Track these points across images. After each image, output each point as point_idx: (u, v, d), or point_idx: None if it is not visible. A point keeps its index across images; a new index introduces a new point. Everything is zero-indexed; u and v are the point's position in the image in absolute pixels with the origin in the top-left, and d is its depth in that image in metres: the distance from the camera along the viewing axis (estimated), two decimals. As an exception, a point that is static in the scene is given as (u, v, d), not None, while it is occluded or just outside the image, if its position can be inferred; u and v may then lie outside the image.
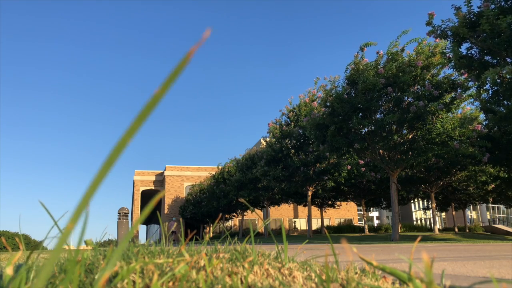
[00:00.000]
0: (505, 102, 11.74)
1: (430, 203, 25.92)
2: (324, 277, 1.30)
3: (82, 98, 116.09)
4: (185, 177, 48.45)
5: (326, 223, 44.34)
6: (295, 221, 46.60)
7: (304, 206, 27.35)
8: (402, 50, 14.34)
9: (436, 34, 11.76)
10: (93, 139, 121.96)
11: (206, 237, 1.83)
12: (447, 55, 12.25)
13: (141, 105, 0.45)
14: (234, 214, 34.43)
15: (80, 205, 0.43)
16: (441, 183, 22.09)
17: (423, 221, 60.73)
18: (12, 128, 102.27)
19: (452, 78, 13.77)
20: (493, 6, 10.15)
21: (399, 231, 22.63)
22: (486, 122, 15.95)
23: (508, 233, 35.58)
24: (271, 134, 21.79)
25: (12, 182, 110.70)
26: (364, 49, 14.53)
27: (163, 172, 49.47)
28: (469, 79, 12.13)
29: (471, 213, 58.10)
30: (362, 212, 29.77)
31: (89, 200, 0.43)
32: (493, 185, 23.17)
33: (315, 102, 18.98)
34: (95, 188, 0.43)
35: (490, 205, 56.57)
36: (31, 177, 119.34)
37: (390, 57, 14.32)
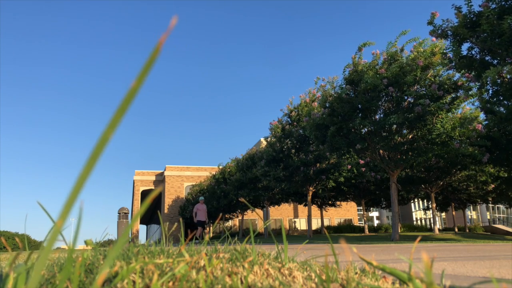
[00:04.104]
0: (506, 102, 11.73)
1: (430, 203, 25.93)
2: (324, 277, 1.30)
3: (82, 98, 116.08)
4: (185, 177, 48.44)
5: (326, 223, 44.34)
6: (295, 221, 46.59)
7: (304, 205, 27.35)
8: (402, 49, 14.35)
9: (437, 34, 11.76)
10: (94, 139, 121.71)
11: (206, 237, 1.83)
12: (448, 55, 12.24)
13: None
14: (234, 214, 34.44)
15: (68, 202, 0.43)
16: (441, 183, 22.09)
17: (423, 221, 60.73)
18: (12, 128, 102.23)
19: (454, 78, 13.75)
20: (493, 6, 10.14)
21: (399, 231, 22.65)
22: (486, 122, 15.95)
23: (508, 233, 35.58)
24: (273, 132, 21.78)
25: (12, 182, 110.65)
26: (362, 49, 14.54)
27: (163, 172, 49.47)
28: (470, 79, 12.12)
29: (471, 213, 58.10)
30: (362, 212, 29.77)
31: (77, 197, 0.43)
32: (493, 185, 23.17)
33: (315, 103, 18.98)
34: (81, 185, 0.43)
35: (490, 205, 56.56)
36: (31, 177, 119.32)
37: (390, 57, 14.32)
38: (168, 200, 47.03)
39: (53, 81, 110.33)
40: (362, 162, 21.89)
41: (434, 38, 12.85)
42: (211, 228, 1.93)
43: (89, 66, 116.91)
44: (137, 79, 0.45)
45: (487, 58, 11.19)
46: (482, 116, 16.44)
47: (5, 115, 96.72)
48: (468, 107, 15.98)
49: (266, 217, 32.38)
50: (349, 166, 22.58)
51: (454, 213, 31.02)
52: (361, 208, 30.19)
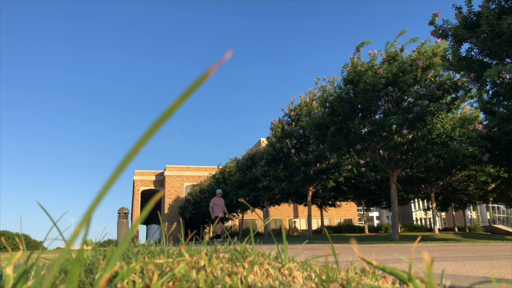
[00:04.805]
0: (505, 103, 11.73)
1: (430, 203, 25.93)
2: (324, 277, 1.30)
3: (82, 98, 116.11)
4: (185, 177, 48.45)
5: (326, 223, 44.34)
6: (295, 221, 46.60)
7: (305, 205, 27.36)
8: (402, 49, 14.38)
9: (438, 34, 11.77)
10: (93, 139, 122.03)
11: (206, 237, 1.83)
12: (447, 56, 12.24)
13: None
14: (234, 214, 34.45)
15: (88, 211, 0.43)
16: (441, 183, 22.09)
17: (423, 221, 60.75)
18: (12, 128, 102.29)
19: (455, 79, 13.75)
20: (493, 6, 10.14)
21: (399, 231, 22.64)
22: (486, 122, 15.96)
23: (508, 233, 35.61)
24: (273, 132, 21.83)
25: (12, 182, 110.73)
26: (360, 49, 14.56)
27: (163, 172, 49.48)
28: (469, 80, 12.12)
29: (471, 213, 58.11)
30: (362, 212, 29.78)
31: (98, 205, 0.43)
32: (493, 185, 23.17)
33: (314, 102, 19.01)
34: (104, 193, 0.43)
35: (490, 205, 56.58)
36: (31, 177, 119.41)
37: (389, 57, 14.33)
38: (168, 200, 47.05)
39: (54, 81, 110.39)
40: (362, 162, 21.89)
41: (438, 40, 12.87)
42: (211, 228, 1.93)
43: (89, 67, 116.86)
44: (177, 100, 0.44)
45: (486, 59, 11.20)
46: (482, 116, 16.46)
47: (5, 115, 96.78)
48: (468, 107, 16.00)
49: (266, 217, 32.39)
50: (349, 166, 22.59)
51: (454, 213, 31.02)
52: (361, 208, 30.20)
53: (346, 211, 47.21)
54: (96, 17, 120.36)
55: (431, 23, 11.92)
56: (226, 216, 14.61)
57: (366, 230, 28.86)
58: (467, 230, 31.09)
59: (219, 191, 14.67)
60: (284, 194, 26.75)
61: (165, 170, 48.51)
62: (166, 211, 46.58)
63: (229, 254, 1.50)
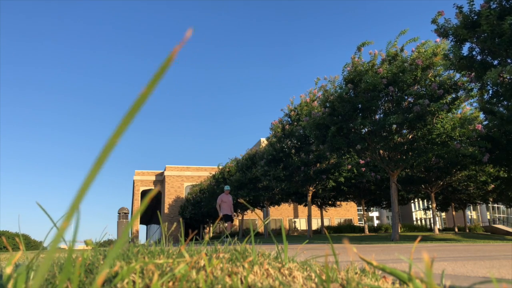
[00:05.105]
0: (505, 103, 11.73)
1: (430, 203, 25.93)
2: (324, 277, 1.30)
3: (81, 98, 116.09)
4: (185, 177, 48.45)
5: (326, 223, 44.33)
6: (295, 221, 46.59)
7: (304, 205, 27.36)
8: (402, 49, 14.38)
9: (439, 33, 11.77)
10: (93, 139, 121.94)
11: (206, 237, 1.83)
12: (449, 56, 12.23)
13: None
14: (234, 214, 34.44)
15: (73, 205, 0.43)
16: (441, 183, 22.09)
17: (423, 221, 60.74)
18: (12, 128, 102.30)
19: (455, 79, 13.74)
20: (494, 6, 10.13)
21: (399, 231, 22.65)
22: (486, 122, 15.96)
23: (508, 233, 35.61)
24: (273, 132, 21.83)
25: (12, 182, 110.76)
26: (361, 49, 14.56)
27: (163, 172, 49.48)
28: (471, 79, 12.11)
29: (471, 213, 58.10)
30: (362, 212, 29.78)
31: (81, 200, 0.43)
32: (493, 185, 23.17)
33: (315, 102, 19.01)
34: (86, 188, 0.43)
35: (490, 205, 56.57)
36: (31, 177, 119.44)
37: (389, 57, 14.34)
38: (168, 200, 47.04)
39: (54, 81, 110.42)
40: (362, 162, 21.89)
41: (438, 39, 12.86)
42: (211, 228, 1.93)
43: (89, 67, 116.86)
44: (147, 87, 0.44)
45: (487, 59, 11.18)
46: (482, 116, 16.47)
47: (5, 115, 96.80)
48: (468, 107, 15.99)
49: (266, 217, 32.40)
50: (349, 166, 22.58)
51: (454, 213, 31.01)
52: (361, 208, 30.20)
53: (346, 211, 47.19)
54: (96, 17, 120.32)
55: (434, 21, 11.89)
56: (233, 216, 13.91)
57: (366, 230, 28.85)
58: (467, 230, 31.08)
59: (227, 187, 13.81)
60: (284, 194, 26.74)
61: (165, 170, 48.51)
62: (166, 211, 46.58)
63: (229, 254, 1.50)
